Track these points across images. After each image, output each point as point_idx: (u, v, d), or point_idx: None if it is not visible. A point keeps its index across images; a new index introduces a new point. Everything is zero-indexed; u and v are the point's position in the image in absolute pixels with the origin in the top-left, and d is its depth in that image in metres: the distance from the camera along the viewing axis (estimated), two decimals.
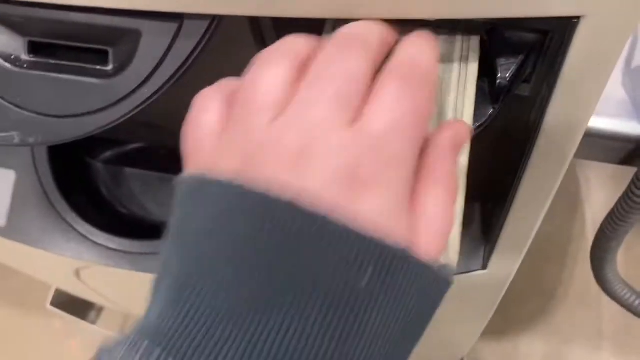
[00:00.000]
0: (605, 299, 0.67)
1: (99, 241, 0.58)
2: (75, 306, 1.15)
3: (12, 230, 0.60)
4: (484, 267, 0.52)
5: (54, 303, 1.14)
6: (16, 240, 0.60)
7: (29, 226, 0.59)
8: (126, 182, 0.65)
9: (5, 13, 0.36)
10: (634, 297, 0.66)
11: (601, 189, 1.32)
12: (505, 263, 0.52)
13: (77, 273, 0.70)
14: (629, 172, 0.52)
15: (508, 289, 0.60)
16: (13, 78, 0.37)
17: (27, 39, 0.37)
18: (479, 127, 0.34)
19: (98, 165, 0.65)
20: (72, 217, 0.59)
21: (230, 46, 0.39)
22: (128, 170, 0.65)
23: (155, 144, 0.63)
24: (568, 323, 1.28)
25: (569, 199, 1.32)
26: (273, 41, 0.37)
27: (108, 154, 0.65)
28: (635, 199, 0.52)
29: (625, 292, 0.66)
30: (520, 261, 0.52)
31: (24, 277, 1.21)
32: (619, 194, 0.53)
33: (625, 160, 0.56)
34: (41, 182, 0.59)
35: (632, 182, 0.51)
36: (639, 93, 0.54)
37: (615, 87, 0.56)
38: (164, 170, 0.64)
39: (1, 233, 0.60)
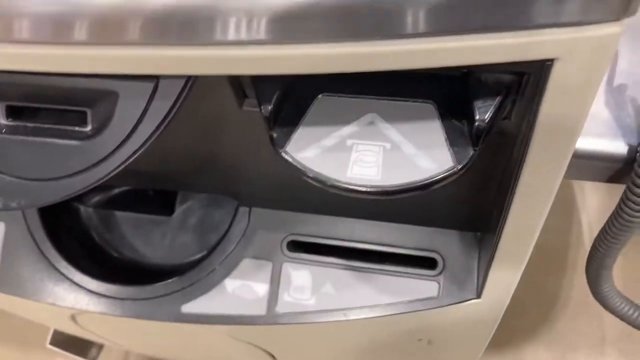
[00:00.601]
0: None
1: (92, 289, 0.57)
2: (75, 344, 1.14)
3: (4, 283, 0.60)
4: (478, 295, 0.52)
5: (54, 342, 1.13)
6: (8, 293, 0.60)
7: (21, 278, 0.59)
8: (116, 226, 0.65)
9: None
10: (632, 310, 0.66)
11: (595, 194, 1.32)
12: (499, 290, 0.52)
13: (73, 318, 0.69)
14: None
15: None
16: None
17: (5, 103, 0.37)
18: (461, 168, 0.34)
19: (87, 210, 0.65)
20: (64, 265, 0.58)
21: (210, 98, 0.39)
22: (117, 214, 0.65)
23: (143, 187, 0.63)
24: (570, 330, 1.27)
25: (564, 206, 1.32)
26: (252, 91, 0.37)
27: (96, 198, 0.65)
28: (625, 217, 0.52)
29: (623, 305, 0.66)
30: (514, 287, 0.52)
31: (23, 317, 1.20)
32: (613, 199, 0.53)
33: (613, 179, 0.56)
34: (31, 232, 0.59)
35: (621, 200, 0.51)
36: (622, 112, 0.54)
37: (598, 107, 0.56)
38: (153, 212, 0.64)
39: None
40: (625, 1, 0.28)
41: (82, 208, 0.65)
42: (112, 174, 0.36)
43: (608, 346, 1.24)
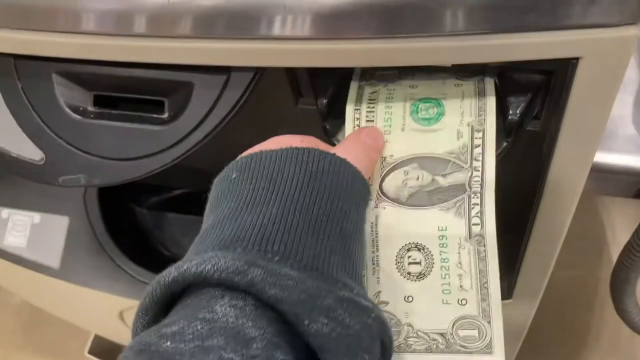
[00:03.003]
0: (638, 341, 0.68)
1: (145, 279, 0.62)
2: (114, 353, 1.17)
3: (65, 272, 0.64)
4: (509, 296, 0.55)
5: (92, 352, 1.16)
6: (68, 280, 0.65)
7: (81, 267, 0.64)
8: (169, 226, 0.70)
9: (75, 71, 0.41)
10: None
11: (626, 231, 1.33)
12: (530, 290, 0.55)
13: (121, 315, 0.74)
14: None
15: (539, 334, 0.61)
16: (81, 127, 0.42)
17: (93, 92, 0.42)
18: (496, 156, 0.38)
19: (143, 211, 0.70)
20: (121, 258, 0.63)
21: (270, 95, 0.44)
22: (171, 215, 0.70)
23: (197, 189, 0.68)
24: None
25: (595, 242, 1.33)
26: (308, 89, 0.42)
27: (152, 200, 0.70)
28: None
29: None
30: (543, 287, 0.55)
31: (61, 328, 1.24)
32: None
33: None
34: (92, 227, 0.64)
35: None
36: None
37: (625, 126, 0.60)
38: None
39: (55, 274, 0.65)
40: None
41: (139, 209, 0.70)
42: (184, 156, 0.41)
43: None
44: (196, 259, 0.28)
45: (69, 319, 0.91)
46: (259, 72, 0.38)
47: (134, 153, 0.41)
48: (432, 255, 0.38)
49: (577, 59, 0.34)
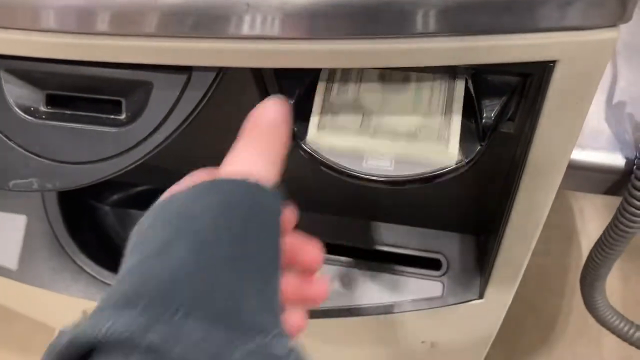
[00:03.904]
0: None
1: (108, 281, 0.60)
2: None
3: (23, 274, 0.62)
4: (481, 296, 0.54)
5: None
6: (27, 283, 0.62)
7: (40, 269, 0.61)
8: (133, 224, 0.67)
9: (25, 69, 0.39)
10: (623, 324, 0.68)
11: (595, 220, 1.34)
12: (501, 291, 0.54)
13: (85, 314, 0.71)
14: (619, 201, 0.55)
15: (508, 321, 0.62)
16: (32, 128, 0.40)
17: (45, 92, 0.40)
18: (468, 162, 0.37)
19: (105, 209, 0.67)
20: (82, 258, 0.61)
21: (235, 95, 0.42)
22: (134, 212, 0.68)
23: (161, 186, 0.65)
24: (569, 354, 1.28)
25: (564, 230, 1.34)
26: (274, 89, 0.40)
27: (115, 197, 0.67)
28: (622, 227, 0.54)
29: (614, 318, 0.68)
30: (515, 288, 0.54)
31: (27, 322, 1.21)
32: None
33: (611, 191, 0.58)
34: (51, 226, 0.62)
35: (618, 211, 0.54)
36: (621, 127, 0.57)
37: (599, 123, 0.59)
38: None
39: (12, 276, 0.62)
40: (620, 9, 0.31)
41: (101, 206, 0.67)
42: (143, 160, 0.38)
43: None
44: (91, 320, 0.26)
45: (32, 316, 0.88)
46: (222, 71, 0.36)
47: (89, 156, 0.39)
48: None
49: (554, 61, 0.33)
